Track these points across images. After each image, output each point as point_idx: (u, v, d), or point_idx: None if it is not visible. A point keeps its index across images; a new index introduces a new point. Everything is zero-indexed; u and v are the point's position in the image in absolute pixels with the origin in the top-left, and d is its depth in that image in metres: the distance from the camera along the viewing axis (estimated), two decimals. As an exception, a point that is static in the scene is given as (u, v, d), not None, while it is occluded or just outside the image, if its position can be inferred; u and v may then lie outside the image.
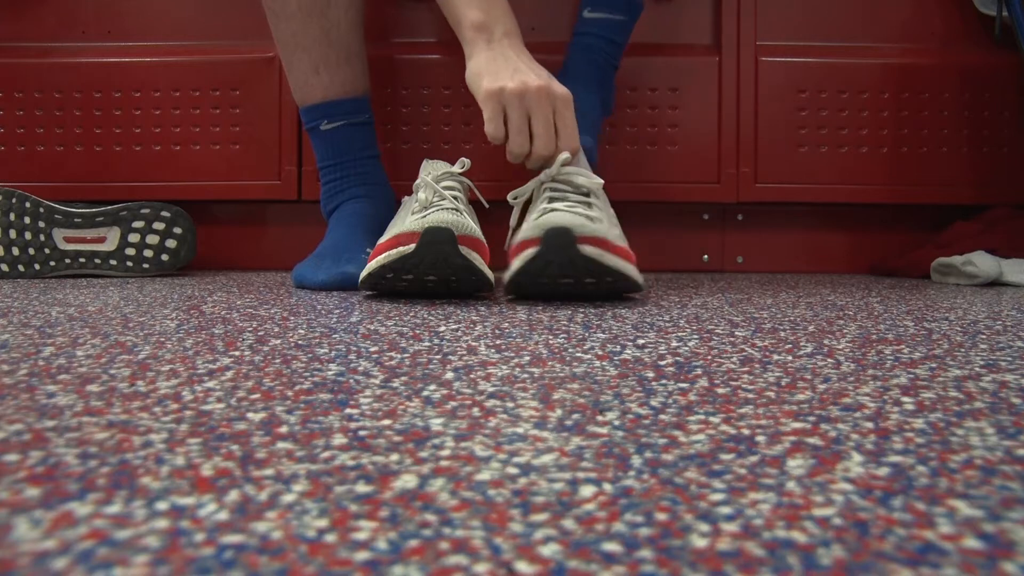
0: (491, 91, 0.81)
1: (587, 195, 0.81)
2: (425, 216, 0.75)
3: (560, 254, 0.69)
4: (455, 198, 0.82)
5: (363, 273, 0.77)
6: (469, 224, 0.75)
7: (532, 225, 0.73)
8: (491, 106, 0.81)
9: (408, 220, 0.76)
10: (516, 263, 0.73)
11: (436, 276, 0.74)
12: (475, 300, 0.76)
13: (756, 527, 0.21)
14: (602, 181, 0.82)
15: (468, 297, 0.79)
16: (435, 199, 0.81)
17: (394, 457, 0.26)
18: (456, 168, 0.86)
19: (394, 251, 0.72)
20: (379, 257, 0.74)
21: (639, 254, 1.21)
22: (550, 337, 0.53)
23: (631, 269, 0.73)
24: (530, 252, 0.71)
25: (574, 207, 0.77)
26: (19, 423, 0.31)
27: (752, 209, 1.30)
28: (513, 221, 0.86)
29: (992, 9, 1.23)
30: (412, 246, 0.71)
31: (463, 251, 0.72)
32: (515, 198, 0.85)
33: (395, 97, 1.25)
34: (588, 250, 0.69)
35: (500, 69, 0.83)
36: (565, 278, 0.72)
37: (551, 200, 0.80)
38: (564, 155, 0.81)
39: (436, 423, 0.31)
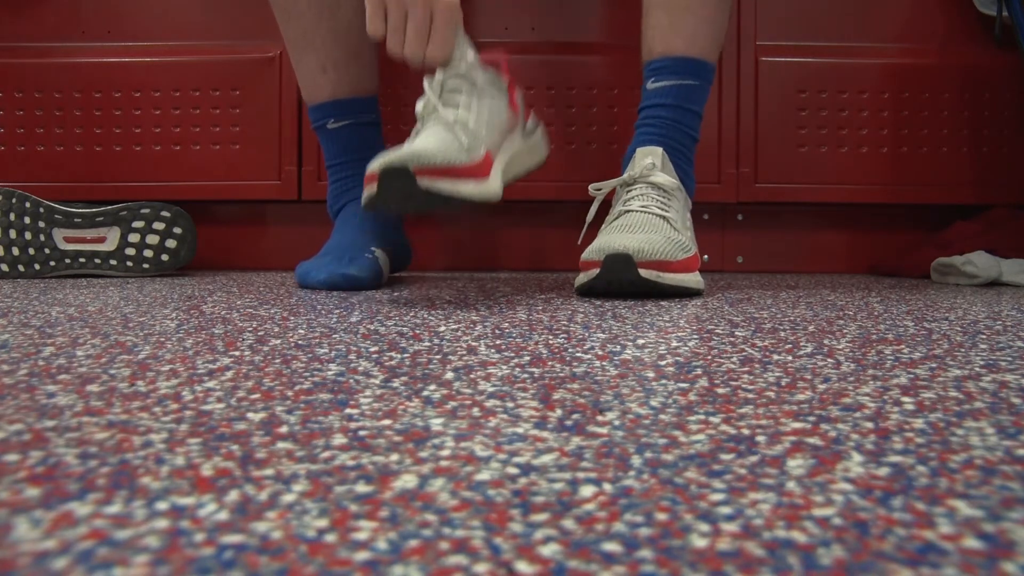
0: None
1: (668, 193, 0.84)
2: (410, 142, 0.73)
3: (620, 276, 0.76)
4: (457, 104, 0.78)
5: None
6: (434, 152, 0.69)
7: (595, 249, 0.78)
8: (372, 1, 0.80)
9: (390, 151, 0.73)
10: (582, 277, 0.80)
11: (415, 206, 0.71)
12: (475, 300, 0.76)
13: (756, 527, 0.21)
14: (677, 182, 0.85)
15: (466, 294, 0.79)
16: (430, 112, 0.78)
17: (394, 457, 0.26)
18: (461, 67, 0.80)
19: (364, 192, 0.72)
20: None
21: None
22: (550, 337, 0.53)
23: (688, 280, 0.80)
24: (594, 272, 0.78)
25: (649, 207, 0.83)
26: (19, 423, 0.31)
27: (752, 209, 1.30)
28: (590, 216, 0.89)
29: (992, 9, 1.22)
30: (375, 185, 0.70)
31: (426, 183, 0.68)
32: (598, 189, 0.89)
33: (395, 96, 1.25)
34: (646, 273, 0.76)
35: None
36: (627, 291, 0.79)
37: (626, 207, 0.84)
38: (647, 160, 0.85)
39: (436, 423, 0.31)
